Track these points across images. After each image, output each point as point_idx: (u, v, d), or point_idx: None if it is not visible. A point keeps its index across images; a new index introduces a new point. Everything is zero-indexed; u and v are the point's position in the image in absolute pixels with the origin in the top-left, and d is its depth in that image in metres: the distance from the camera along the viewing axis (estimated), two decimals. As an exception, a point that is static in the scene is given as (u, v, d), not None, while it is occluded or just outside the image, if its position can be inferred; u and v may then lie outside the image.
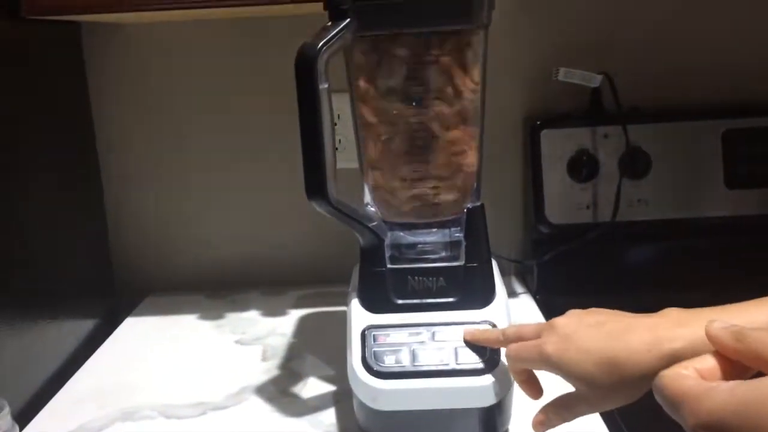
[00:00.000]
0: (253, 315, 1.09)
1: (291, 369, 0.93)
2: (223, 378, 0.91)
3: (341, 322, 1.00)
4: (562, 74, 1.07)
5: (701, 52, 1.13)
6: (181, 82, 1.14)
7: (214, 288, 1.18)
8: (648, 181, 1.10)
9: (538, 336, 0.67)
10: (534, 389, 0.71)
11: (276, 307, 1.11)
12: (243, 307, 1.11)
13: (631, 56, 1.13)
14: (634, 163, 1.09)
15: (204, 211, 1.19)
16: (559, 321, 0.66)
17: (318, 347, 0.98)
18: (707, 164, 1.10)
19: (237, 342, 1.01)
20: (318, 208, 0.73)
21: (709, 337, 0.48)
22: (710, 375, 0.47)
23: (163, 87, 1.14)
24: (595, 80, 1.07)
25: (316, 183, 0.72)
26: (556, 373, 0.65)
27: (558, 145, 1.10)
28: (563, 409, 0.67)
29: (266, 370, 0.93)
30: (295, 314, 1.09)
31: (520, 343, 0.69)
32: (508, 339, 0.71)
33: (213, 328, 1.06)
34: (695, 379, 0.47)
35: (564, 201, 1.11)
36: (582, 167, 1.10)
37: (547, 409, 0.68)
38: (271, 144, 1.15)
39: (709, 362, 0.48)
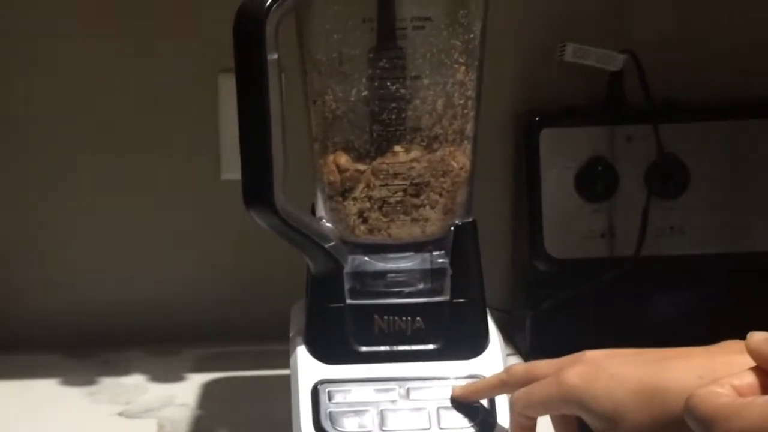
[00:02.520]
0: (137, 380, 1.19)
1: (201, 448, 1.03)
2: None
3: (262, 389, 1.13)
4: (571, 53, 1.20)
5: (760, 25, 1.27)
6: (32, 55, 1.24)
7: (75, 345, 1.27)
8: (685, 202, 1.23)
9: (555, 371, 0.79)
10: None
11: (168, 370, 1.21)
12: (122, 371, 1.21)
13: (665, 29, 1.26)
14: (667, 177, 1.22)
15: (59, 238, 1.28)
16: (590, 351, 0.79)
17: (234, 421, 1.08)
18: (765, 179, 1.25)
19: (120, 414, 1.11)
20: (259, 220, 0.85)
21: (750, 350, 0.60)
22: (749, 392, 0.59)
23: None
24: (616, 61, 1.20)
25: (259, 185, 0.83)
26: (578, 412, 0.76)
27: (563, 150, 1.23)
28: None
29: (167, 450, 1.03)
30: (196, 380, 1.19)
31: (531, 384, 0.80)
32: (514, 380, 0.83)
33: (83, 396, 1.15)
34: (730, 396, 0.58)
35: (570, 228, 1.24)
36: (596, 181, 1.23)
37: None
38: (157, 146, 1.26)
39: (748, 378, 0.60)
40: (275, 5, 0.82)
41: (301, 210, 0.90)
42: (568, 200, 1.23)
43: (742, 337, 0.73)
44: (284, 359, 0.94)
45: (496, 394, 0.86)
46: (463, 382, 0.89)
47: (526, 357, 1.22)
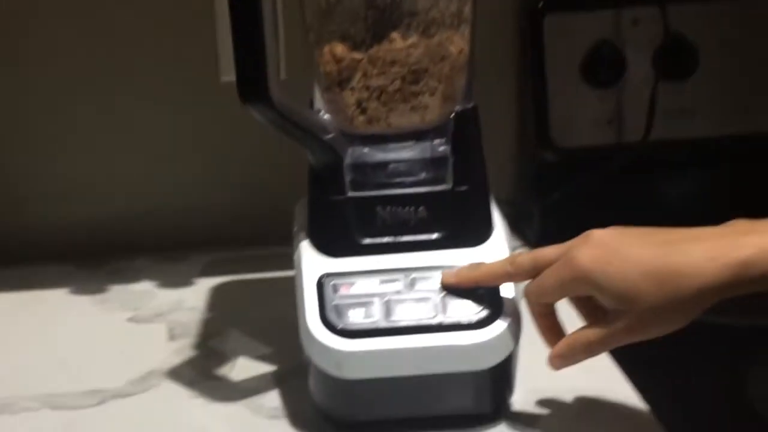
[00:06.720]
0: (146, 287, 1.20)
1: (211, 348, 1.04)
2: (120, 362, 1.02)
3: (270, 291, 1.14)
4: (572, -68, 1.19)
5: None
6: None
7: (84, 255, 1.28)
8: (694, 84, 1.23)
9: (563, 255, 0.79)
10: (559, 336, 0.83)
11: (176, 276, 1.22)
12: (131, 278, 1.22)
13: None
14: (676, 59, 1.22)
15: (64, 151, 1.28)
16: (597, 231, 0.79)
17: (242, 322, 1.09)
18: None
19: (130, 320, 1.12)
20: (256, 114, 0.84)
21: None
22: None
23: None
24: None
25: (253, 78, 0.82)
26: (591, 291, 0.78)
27: (568, 37, 1.22)
28: (594, 336, 0.79)
29: (177, 351, 1.04)
30: (204, 284, 1.20)
31: (542, 274, 0.81)
32: (520, 270, 0.83)
33: (94, 304, 1.17)
34: None
35: (577, 115, 1.24)
36: (602, 66, 1.22)
37: (571, 339, 0.81)
38: (155, 52, 1.25)
39: None
40: None
41: (299, 103, 0.89)
42: (574, 87, 1.23)
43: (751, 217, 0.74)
44: (290, 261, 0.94)
45: (499, 284, 0.86)
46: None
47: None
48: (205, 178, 1.30)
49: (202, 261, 1.27)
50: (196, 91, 1.25)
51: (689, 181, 1.27)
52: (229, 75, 1.18)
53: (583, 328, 0.82)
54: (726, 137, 1.25)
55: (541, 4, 1.22)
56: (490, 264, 0.87)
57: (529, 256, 0.84)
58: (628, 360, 0.94)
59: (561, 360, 0.82)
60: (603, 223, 1.19)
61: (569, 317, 0.85)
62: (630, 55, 1.23)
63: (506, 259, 0.86)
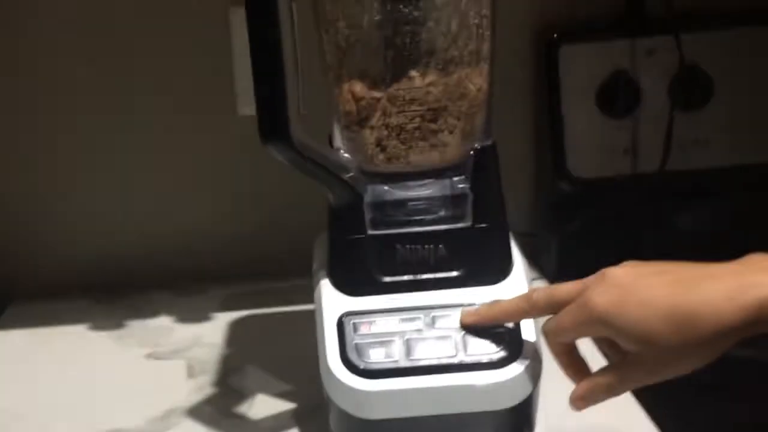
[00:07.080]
0: (165, 322, 1.21)
1: (230, 386, 1.05)
2: (140, 400, 1.02)
3: (288, 326, 1.14)
4: (587, -33, 1.19)
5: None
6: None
7: (103, 290, 1.29)
8: (709, 114, 1.23)
9: (579, 295, 0.79)
10: (581, 371, 0.83)
11: (195, 311, 1.23)
12: (150, 313, 1.23)
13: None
14: (691, 89, 1.22)
15: (83, 187, 1.29)
16: (612, 270, 0.78)
17: (261, 358, 1.09)
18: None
19: (149, 356, 1.13)
20: (276, 154, 0.84)
21: None
22: None
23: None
24: (635, -28, 1.19)
25: (275, 119, 0.82)
26: (609, 334, 0.77)
27: (583, 67, 1.23)
28: (614, 378, 0.79)
29: (197, 389, 1.04)
30: (222, 319, 1.21)
31: (559, 315, 0.80)
32: (536, 308, 0.83)
33: (113, 340, 1.17)
34: None
35: (593, 145, 1.24)
36: (617, 97, 1.22)
37: (592, 381, 0.81)
38: (172, 85, 1.26)
39: None
40: None
41: (318, 142, 0.89)
42: (590, 117, 1.23)
43: (768, 247, 0.74)
44: (309, 295, 0.94)
45: (515, 321, 0.86)
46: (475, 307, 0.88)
47: (553, 280, 1.22)
48: (221, 211, 1.30)
49: (220, 296, 1.27)
50: (214, 127, 1.26)
51: (705, 211, 1.26)
52: (245, 108, 1.19)
53: (603, 369, 0.81)
54: (741, 166, 1.25)
55: (555, 35, 1.23)
56: (506, 301, 0.86)
57: (544, 292, 0.84)
58: (648, 395, 0.94)
59: (583, 401, 0.81)
60: (620, 254, 1.20)
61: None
62: (645, 85, 1.23)
63: (522, 296, 0.86)
